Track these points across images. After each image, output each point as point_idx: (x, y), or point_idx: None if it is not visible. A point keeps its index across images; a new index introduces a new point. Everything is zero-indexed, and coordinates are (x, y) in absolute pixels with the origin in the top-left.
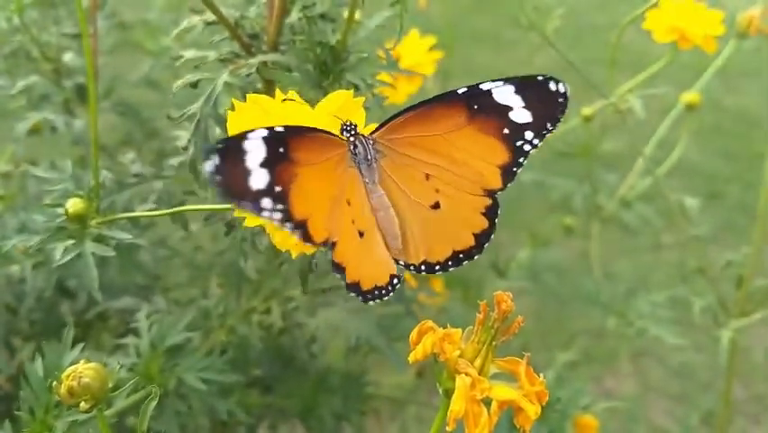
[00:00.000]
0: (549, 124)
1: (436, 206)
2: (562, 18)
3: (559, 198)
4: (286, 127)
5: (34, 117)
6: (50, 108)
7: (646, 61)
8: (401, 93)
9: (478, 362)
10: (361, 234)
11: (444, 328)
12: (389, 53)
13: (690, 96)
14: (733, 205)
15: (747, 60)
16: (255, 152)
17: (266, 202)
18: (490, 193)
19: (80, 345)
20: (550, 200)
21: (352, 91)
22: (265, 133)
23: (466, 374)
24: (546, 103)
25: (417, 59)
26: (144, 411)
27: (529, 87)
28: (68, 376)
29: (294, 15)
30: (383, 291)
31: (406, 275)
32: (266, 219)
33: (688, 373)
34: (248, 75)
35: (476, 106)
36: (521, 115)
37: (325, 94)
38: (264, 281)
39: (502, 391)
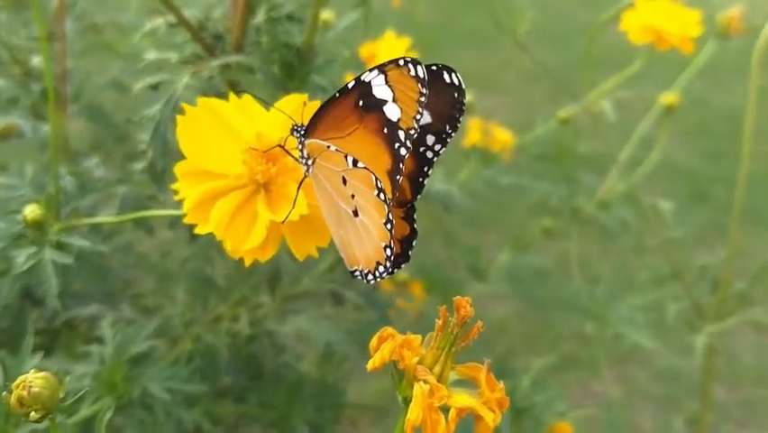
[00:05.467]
0: (448, 127)
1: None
2: (548, 18)
3: (539, 202)
4: None
5: (1, 121)
6: (17, 113)
7: (632, 61)
8: None
9: (437, 368)
10: None
11: (404, 334)
12: (356, 54)
13: (668, 96)
14: (719, 205)
15: (735, 59)
16: None
17: None
18: (402, 204)
19: (40, 354)
20: (530, 204)
21: (307, 95)
22: None
23: (424, 381)
24: (443, 100)
25: None
26: (99, 425)
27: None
28: (18, 386)
29: (260, 16)
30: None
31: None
32: None
33: (674, 377)
34: (211, 77)
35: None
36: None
37: None
38: (232, 288)
39: (461, 399)
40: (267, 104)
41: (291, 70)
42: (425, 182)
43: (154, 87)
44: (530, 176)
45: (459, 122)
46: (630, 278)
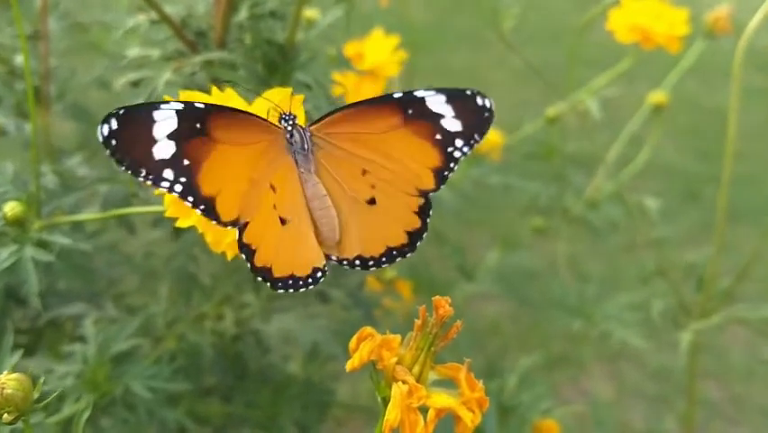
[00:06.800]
0: (477, 135)
1: (372, 201)
2: (542, 17)
3: (529, 201)
4: (207, 104)
5: None
6: (1, 111)
7: (624, 59)
8: (365, 93)
9: (416, 369)
10: (284, 221)
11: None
12: (340, 52)
13: (657, 96)
14: (711, 204)
15: (727, 59)
16: (165, 123)
17: (167, 173)
18: (424, 193)
19: (20, 352)
20: (520, 203)
21: (290, 89)
22: (180, 106)
23: (403, 382)
24: (474, 115)
25: (381, 59)
26: (77, 423)
27: (458, 99)
28: None
29: (243, 13)
30: (300, 282)
31: (370, 279)
32: (165, 191)
33: (665, 375)
34: (193, 73)
35: (410, 111)
36: (452, 123)
37: None
38: (217, 286)
39: (440, 399)
40: (249, 97)
41: (274, 67)
42: (449, 175)
43: (135, 84)
44: (519, 175)
45: (486, 132)
46: (620, 276)
